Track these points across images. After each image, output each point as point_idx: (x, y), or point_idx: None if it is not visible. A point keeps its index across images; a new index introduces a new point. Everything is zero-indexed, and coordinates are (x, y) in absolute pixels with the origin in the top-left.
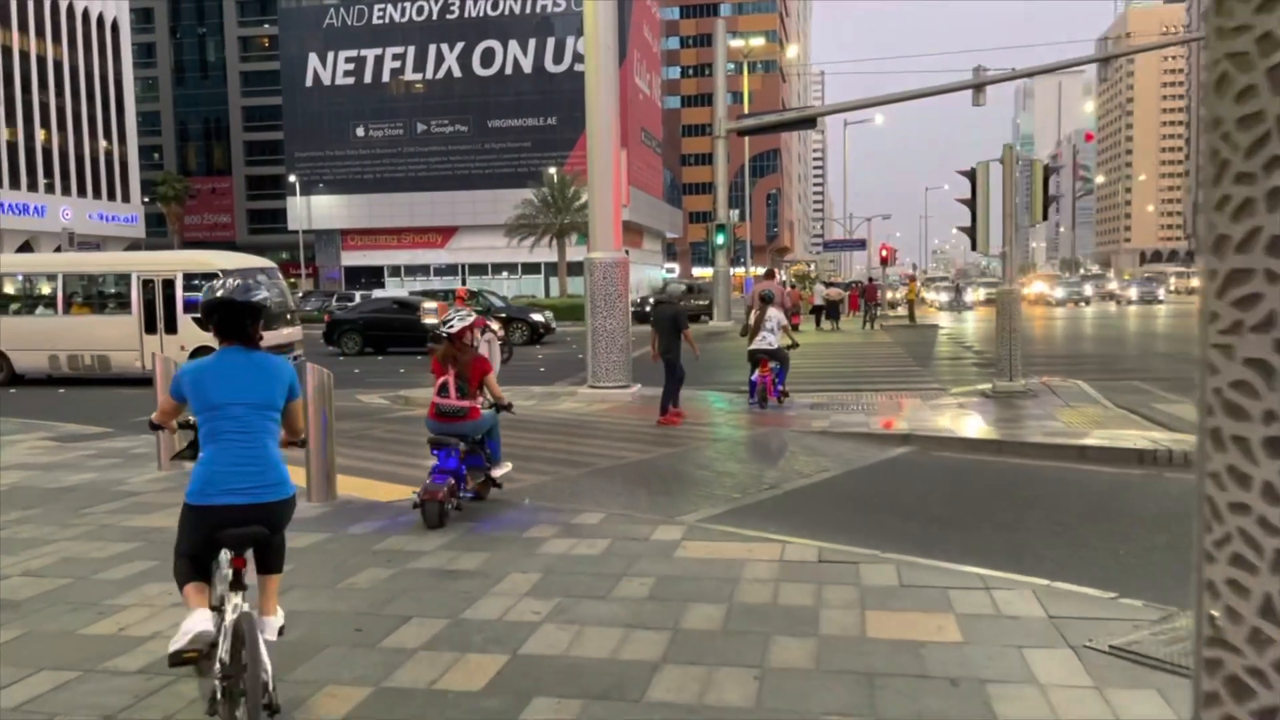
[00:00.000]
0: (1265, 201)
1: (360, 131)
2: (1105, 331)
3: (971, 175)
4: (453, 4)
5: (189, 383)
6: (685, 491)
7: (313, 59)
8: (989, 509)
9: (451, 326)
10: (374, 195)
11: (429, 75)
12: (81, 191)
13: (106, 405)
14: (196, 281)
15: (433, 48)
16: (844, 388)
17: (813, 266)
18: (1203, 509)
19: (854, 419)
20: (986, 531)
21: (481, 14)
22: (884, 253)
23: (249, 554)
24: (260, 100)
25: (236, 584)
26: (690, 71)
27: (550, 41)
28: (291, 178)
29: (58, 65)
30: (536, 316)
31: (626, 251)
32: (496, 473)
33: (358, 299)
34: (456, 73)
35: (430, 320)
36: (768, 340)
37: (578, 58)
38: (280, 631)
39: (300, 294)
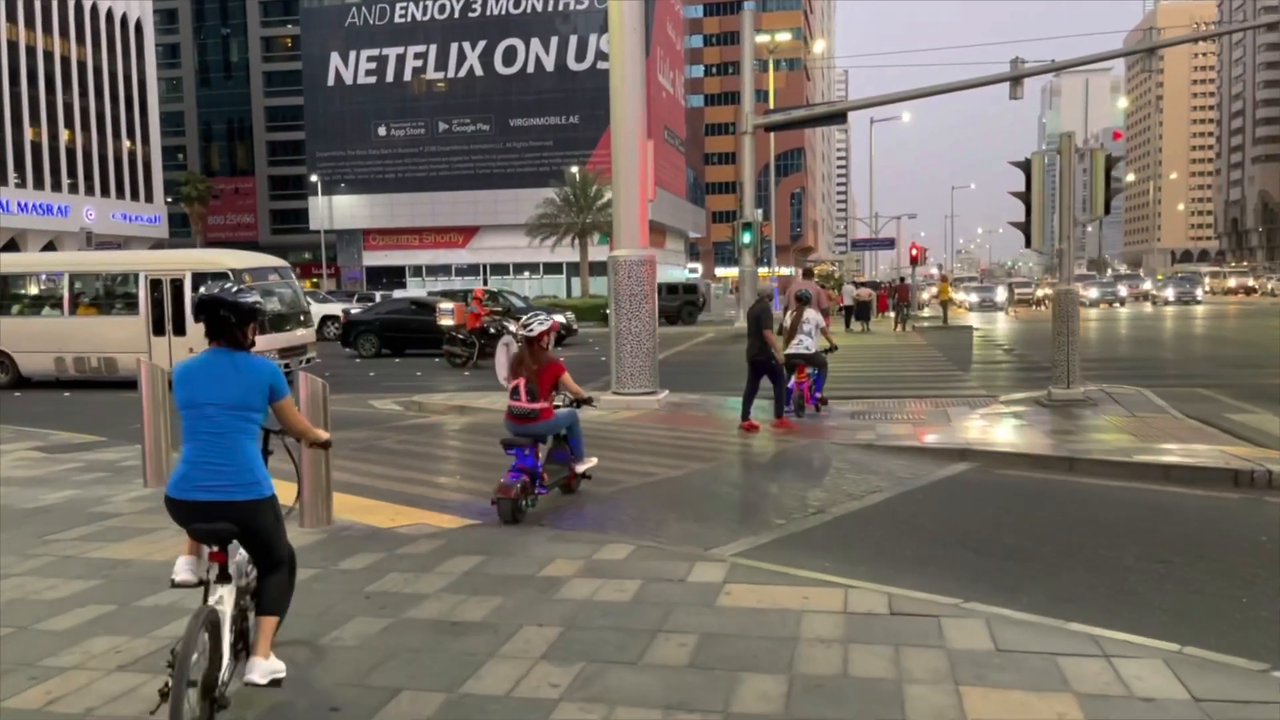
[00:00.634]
0: None
1: (382, 131)
2: (1149, 334)
3: (1026, 167)
4: (474, 2)
5: (176, 380)
6: (722, 516)
7: (334, 58)
8: (1073, 541)
9: (531, 330)
10: (395, 195)
11: (451, 74)
12: (105, 192)
13: (110, 410)
14: (207, 281)
15: (454, 46)
16: (884, 394)
17: (837, 266)
18: None
19: (901, 430)
20: (1078, 571)
21: (504, 12)
22: (914, 252)
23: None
24: (283, 100)
25: (221, 577)
26: (713, 70)
27: (573, 39)
28: (313, 177)
29: (81, 66)
30: (558, 318)
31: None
32: (580, 467)
33: (378, 299)
34: (478, 71)
35: (446, 321)
36: (804, 344)
37: (600, 55)
38: (275, 683)
39: (321, 294)
